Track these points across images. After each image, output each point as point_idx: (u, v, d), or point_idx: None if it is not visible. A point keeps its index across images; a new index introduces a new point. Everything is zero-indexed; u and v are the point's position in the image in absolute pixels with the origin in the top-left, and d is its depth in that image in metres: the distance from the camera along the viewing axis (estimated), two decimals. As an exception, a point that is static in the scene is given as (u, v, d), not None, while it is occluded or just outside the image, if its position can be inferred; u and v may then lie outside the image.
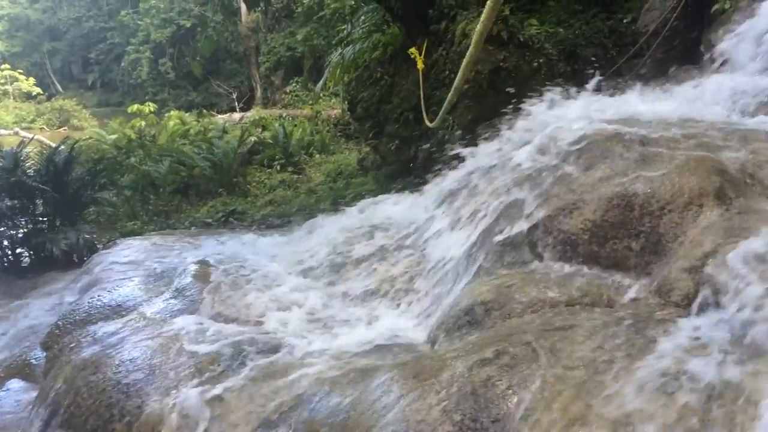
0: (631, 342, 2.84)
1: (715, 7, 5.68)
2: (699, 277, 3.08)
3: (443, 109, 6.12)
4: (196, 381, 3.57)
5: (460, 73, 3.92)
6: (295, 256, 5.76)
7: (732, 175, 3.52)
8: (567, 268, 3.63)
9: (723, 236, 3.18)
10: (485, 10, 3.22)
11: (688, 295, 3.07)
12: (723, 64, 5.14)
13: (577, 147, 4.21)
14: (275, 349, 3.89)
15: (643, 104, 4.93)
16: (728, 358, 2.54)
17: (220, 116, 20.48)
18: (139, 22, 31.01)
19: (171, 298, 4.75)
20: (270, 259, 5.73)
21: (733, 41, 5.14)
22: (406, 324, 4.16)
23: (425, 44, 7.57)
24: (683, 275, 3.15)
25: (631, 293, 3.33)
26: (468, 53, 3.68)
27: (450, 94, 4.74)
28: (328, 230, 6.13)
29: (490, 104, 6.36)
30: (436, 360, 3.09)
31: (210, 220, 10.19)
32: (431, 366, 3.04)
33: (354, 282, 4.98)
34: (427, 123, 6.02)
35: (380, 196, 6.87)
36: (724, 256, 3.04)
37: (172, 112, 20.64)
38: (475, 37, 3.42)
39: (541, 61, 6.94)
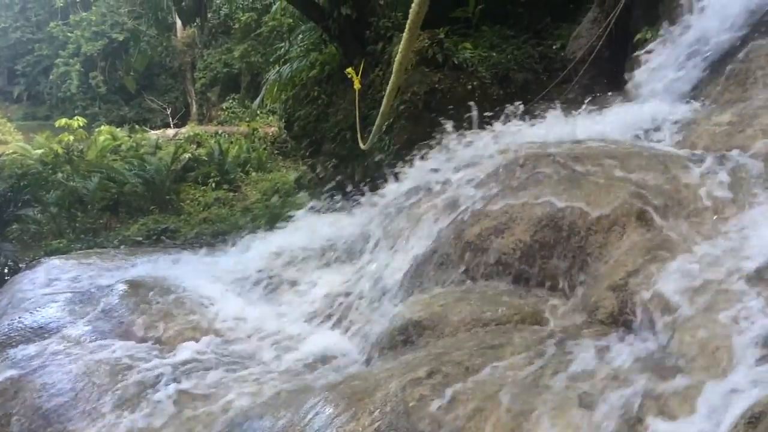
0: (559, 359, 2.93)
1: (638, 36, 5.97)
2: (623, 295, 3.21)
3: (373, 133, 6.17)
4: (121, 407, 3.45)
5: (385, 100, 3.97)
6: (230, 276, 5.67)
7: (653, 197, 3.68)
8: (499, 287, 3.71)
9: (644, 256, 3.32)
10: (402, 41, 3.27)
11: (613, 313, 3.19)
12: (643, 91, 5.40)
13: (509, 168, 4.33)
14: (206, 372, 3.81)
15: (571, 128, 5.11)
16: (651, 375, 2.64)
17: (153, 132, 20.01)
18: (69, 35, 30.06)
19: (97, 319, 4.59)
20: (203, 278, 5.62)
21: (652, 70, 5.41)
22: (341, 344, 4.15)
23: (362, 64, 7.64)
24: (608, 294, 3.27)
25: (560, 311, 3.43)
26: (390, 81, 3.73)
27: (378, 120, 4.78)
28: (264, 249, 6.07)
29: (425, 125, 6.45)
30: (369, 380, 3.09)
31: (141, 239, 9.91)
32: (365, 386, 3.04)
33: (289, 302, 4.95)
34: (361, 145, 6.06)
35: (317, 215, 6.86)
36: (645, 276, 3.18)
37: (102, 127, 20.04)
38: (395, 66, 3.47)
39: (475, 83, 7.11)
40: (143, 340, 4.31)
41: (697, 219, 3.58)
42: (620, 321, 3.15)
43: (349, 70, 7.41)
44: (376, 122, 5.29)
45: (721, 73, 4.86)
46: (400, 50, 3.31)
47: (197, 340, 4.26)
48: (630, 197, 3.67)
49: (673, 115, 4.80)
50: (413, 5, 2.93)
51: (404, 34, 3.22)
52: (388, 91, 3.78)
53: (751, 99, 4.43)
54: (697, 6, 5.38)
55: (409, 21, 3.14)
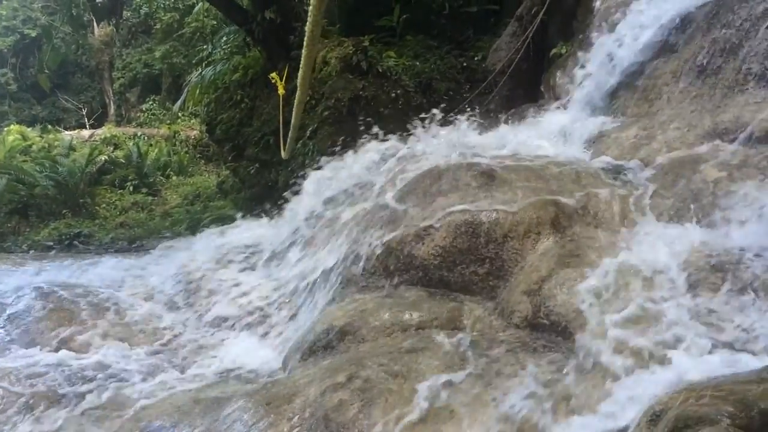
0: (476, 363, 3.00)
1: (554, 51, 6.22)
2: (537, 300, 3.32)
3: (288, 143, 6.10)
4: (27, 418, 3.29)
5: (294, 113, 3.93)
6: (146, 282, 5.50)
7: (566, 205, 3.83)
8: (419, 292, 3.77)
9: (557, 262, 3.45)
10: (302, 58, 3.26)
11: (528, 317, 3.30)
12: (558, 103, 5.62)
13: (430, 176, 4.40)
14: (120, 380, 3.68)
15: (490, 137, 5.25)
16: (561, 376, 2.75)
17: (67, 133, 19.12)
18: (-23, 29, 28.45)
19: (2, 327, 4.36)
20: (118, 285, 5.43)
21: (567, 83, 5.64)
22: (260, 350, 4.10)
23: (286, 69, 7.59)
24: (523, 298, 3.38)
25: (478, 316, 3.52)
26: (297, 96, 3.71)
27: (290, 132, 4.73)
28: (183, 255, 5.92)
29: (349, 131, 6.48)
30: (289, 386, 3.08)
31: (52, 244, 9.48)
32: (284, 392, 3.02)
33: (208, 308, 4.84)
34: (282, 154, 5.98)
35: (239, 220, 6.75)
36: (558, 281, 3.30)
37: (12, 127, 18.99)
38: (299, 81, 3.45)
39: (398, 92, 7.19)
40: (52, 347, 4.12)
41: (606, 226, 3.75)
42: (534, 325, 3.25)
43: (273, 75, 7.34)
44: (290, 134, 5.22)
45: (630, 88, 5.12)
46: (301, 66, 3.29)
47: (109, 347, 4.11)
48: (544, 205, 3.81)
49: (586, 127, 5.02)
50: (308, 24, 2.92)
51: (303, 50, 3.22)
52: (295, 104, 3.75)
53: (656, 113, 4.69)
54: (609, 24, 5.65)
55: (306, 38, 3.13)
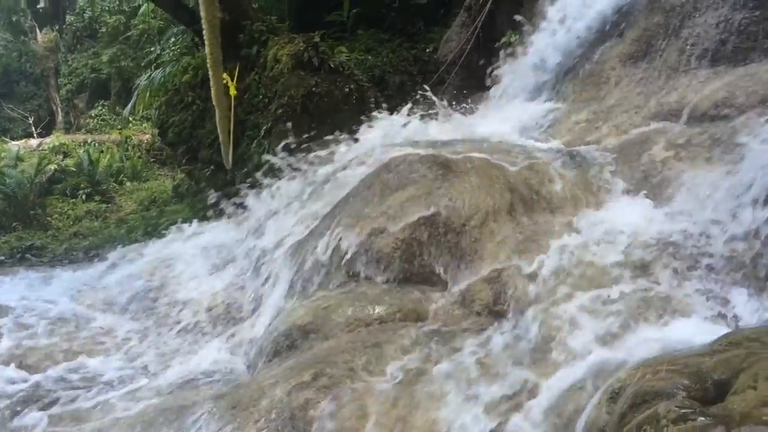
0: (439, 353, 3.03)
1: (503, 40, 6.28)
2: (496, 287, 3.36)
3: (223, 152, 5.97)
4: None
5: (219, 129, 3.84)
6: (104, 292, 5.39)
7: (521, 192, 3.88)
8: (380, 286, 3.77)
9: (514, 249, 3.50)
10: (211, 78, 3.19)
11: (488, 305, 3.34)
12: (510, 91, 5.69)
13: (386, 169, 4.40)
14: (80, 394, 3.60)
15: (445, 128, 5.28)
16: (521, 362, 2.79)
17: (13, 143, 18.54)
18: None
19: (-46, 348, 4.22)
20: (73, 296, 5.30)
21: (517, 71, 5.71)
22: (225, 354, 4.05)
23: (237, 69, 7.51)
24: (483, 286, 3.42)
25: (440, 306, 3.54)
26: (216, 114, 3.63)
27: (222, 147, 4.62)
28: (141, 262, 5.81)
29: (304, 128, 6.44)
30: (254, 388, 3.05)
31: (3, 258, 9.19)
32: (249, 395, 2.99)
33: (169, 314, 4.77)
34: (227, 164, 5.83)
35: (196, 223, 6.66)
36: (516, 267, 3.35)
37: (-46, 139, 18.40)
38: (214, 101, 3.36)
39: (352, 86, 7.18)
40: (6, 363, 4.01)
41: (561, 210, 3.81)
42: (495, 312, 3.29)
43: (224, 75, 7.25)
44: (222, 148, 5.09)
45: (578, 73, 5.21)
46: (211, 85, 3.23)
47: (68, 361, 4.02)
48: (500, 193, 3.85)
49: (538, 113, 5.09)
50: (207, 48, 2.87)
51: (210, 71, 3.16)
52: (217, 120, 3.69)
53: (604, 97, 4.78)
54: (555, 12, 5.73)
55: (209, 63, 3.07)
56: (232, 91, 7.17)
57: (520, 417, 2.54)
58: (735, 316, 2.81)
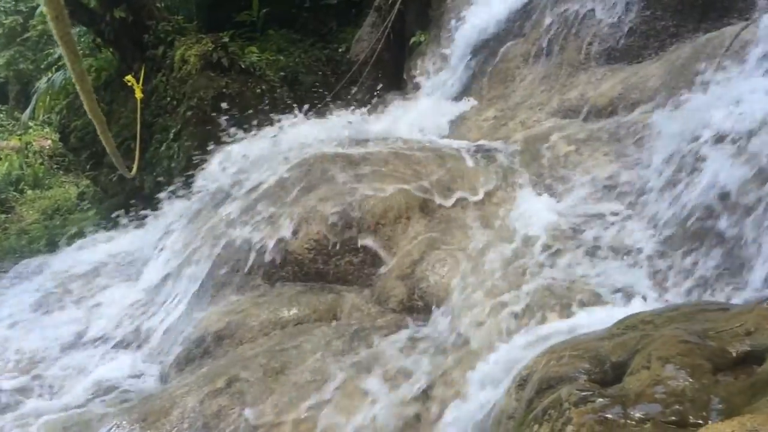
0: (356, 352, 3.03)
1: (412, 40, 6.36)
2: (410, 283, 3.40)
3: (115, 161, 5.69)
4: None
5: (103, 140, 3.67)
6: (4, 308, 5.08)
7: (433, 189, 3.94)
8: (295, 287, 3.74)
9: (428, 245, 3.55)
10: (81, 93, 3.06)
11: (403, 301, 3.37)
12: (421, 90, 5.77)
13: (299, 170, 4.37)
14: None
15: (358, 127, 5.29)
16: (435, 356, 2.83)
17: None
18: None
19: None
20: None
21: (427, 71, 5.80)
22: (134, 365, 3.90)
23: (143, 70, 7.25)
24: (397, 283, 3.45)
25: (355, 305, 3.55)
26: (97, 126, 3.47)
27: (113, 157, 4.43)
28: (44, 274, 5.53)
29: (215, 130, 6.30)
30: (165, 398, 2.96)
31: None
32: (161, 405, 2.90)
33: (75, 327, 4.55)
34: (126, 173, 5.55)
35: (103, 231, 6.40)
36: (429, 263, 3.40)
37: None
38: (89, 113, 3.21)
39: (264, 87, 7.08)
40: None
41: (472, 205, 3.89)
42: (410, 308, 3.33)
43: (129, 77, 7.00)
44: (113, 159, 4.82)
45: (485, 72, 5.34)
46: (83, 99, 3.09)
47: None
48: (413, 190, 3.90)
49: (448, 111, 5.18)
50: (68, 64, 2.76)
51: (77, 86, 3.03)
52: (99, 132, 3.53)
53: (510, 95, 4.92)
54: (462, 11, 5.85)
55: (74, 78, 2.96)
56: (138, 94, 6.94)
57: (438, 411, 2.58)
58: (636, 300, 2.95)
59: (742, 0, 3.79)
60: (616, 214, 3.31)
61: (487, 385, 2.49)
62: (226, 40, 7.14)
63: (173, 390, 3.04)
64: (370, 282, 3.67)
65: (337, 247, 3.77)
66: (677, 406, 1.63)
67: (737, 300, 2.45)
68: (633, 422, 1.63)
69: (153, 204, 5.70)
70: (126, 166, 7.36)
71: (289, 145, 5.10)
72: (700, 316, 2.09)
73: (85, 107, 3.19)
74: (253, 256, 3.93)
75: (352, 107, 5.92)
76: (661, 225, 3.09)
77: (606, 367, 1.99)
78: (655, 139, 3.43)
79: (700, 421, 1.56)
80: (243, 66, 7.06)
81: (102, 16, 7.36)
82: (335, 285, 3.73)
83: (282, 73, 7.59)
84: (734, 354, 1.80)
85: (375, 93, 6.39)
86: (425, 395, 2.68)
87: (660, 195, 3.17)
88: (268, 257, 3.90)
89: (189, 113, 6.67)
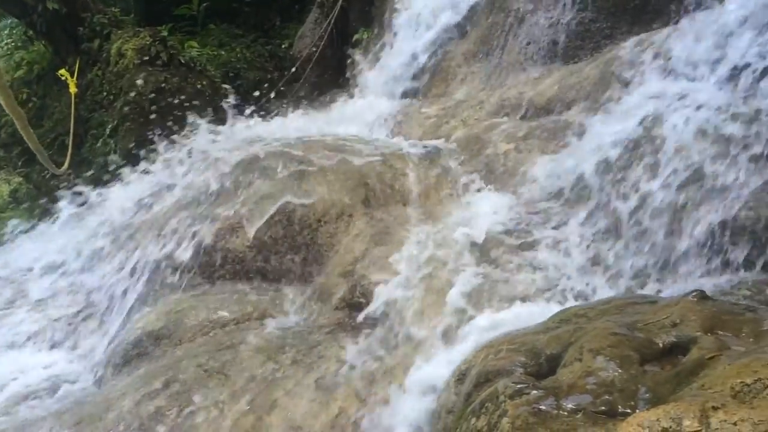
0: (297, 349, 3.01)
1: (355, 37, 6.36)
2: (353, 280, 3.40)
3: (40, 157, 5.53)
4: None
5: (24, 135, 3.55)
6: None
7: (375, 186, 3.94)
8: (236, 286, 3.69)
9: (370, 242, 3.55)
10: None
11: (345, 298, 3.36)
12: (364, 88, 5.77)
13: (240, 167, 4.31)
14: None
15: (300, 124, 5.25)
16: (378, 351, 2.85)
17: None
18: None
19: None
20: None
21: (370, 68, 5.81)
22: (68, 367, 3.78)
23: (77, 64, 7.03)
24: (340, 280, 3.44)
25: (297, 303, 3.52)
26: (17, 124, 3.34)
27: (38, 154, 4.25)
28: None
29: (154, 125, 6.15)
30: (101, 401, 2.89)
31: None
32: (95, 409, 2.82)
33: (7, 326, 4.37)
34: (55, 169, 5.31)
35: (38, 228, 6.16)
36: (371, 260, 3.41)
37: None
38: (8, 110, 3.09)
39: (205, 82, 6.95)
40: None
41: (414, 203, 3.92)
42: (352, 305, 3.32)
43: (63, 71, 6.77)
44: (39, 156, 4.62)
45: (427, 70, 5.38)
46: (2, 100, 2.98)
47: None
48: (355, 187, 3.90)
49: (391, 109, 5.21)
50: None
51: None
52: (20, 129, 3.41)
53: (453, 93, 4.98)
54: (405, 10, 5.88)
55: None
56: (72, 88, 6.72)
57: (380, 407, 2.60)
58: (571, 294, 3.03)
59: (671, 3, 3.93)
60: (553, 210, 3.39)
61: (427, 381, 2.52)
62: (165, 34, 7.00)
63: (109, 393, 2.96)
64: (312, 280, 3.65)
65: (279, 244, 3.74)
66: (607, 396, 1.69)
67: (666, 293, 2.55)
68: (565, 413, 1.68)
69: (89, 200, 5.52)
70: (60, 162, 7.14)
71: (231, 142, 5.03)
72: (630, 309, 2.17)
73: (2, 103, 3.07)
74: (192, 254, 3.86)
75: (295, 104, 5.88)
76: (594, 220, 3.18)
77: (541, 360, 2.04)
78: (589, 136, 3.53)
79: (629, 410, 1.62)
80: (183, 61, 6.91)
81: (34, 7, 7.08)
82: (277, 283, 3.69)
83: (224, 69, 7.48)
84: (661, 345, 1.88)
85: (319, 90, 6.36)
86: (367, 392, 2.69)
87: (594, 191, 3.26)
88: (208, 255, 3.84)
89: (126, 108, 6.50)
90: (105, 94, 6.86)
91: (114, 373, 3.32)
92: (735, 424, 1.39)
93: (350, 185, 3.92)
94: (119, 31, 6.97)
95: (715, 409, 1.44)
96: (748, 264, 2.51)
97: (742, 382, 1.51)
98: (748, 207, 2.57)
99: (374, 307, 3.11)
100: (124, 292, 3.97)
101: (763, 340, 1.76)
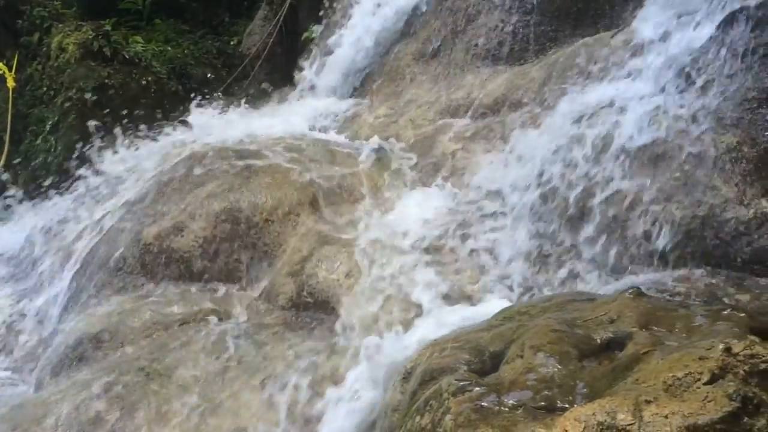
0: (243, 350, 2.98)
1: (305, 35, 6.31)
2: (300, 279, 3.38)
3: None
4: None
5: None
6: None
7: (323, 186, 3.93)
8: (181, 286, 3.63)
9: (318, 241, 3.54)
10: None
11: (292, 298, 3.34)
12: (313, 87, 5.74)
13: (186, 165, 4.24)
14: None
15: (249, 122, 5.19)
16: (322, 350, 2.84)
17: None
18: None
19: None
20: None
21: (320, 67, 5.77)
22: (6, 373, 3.66)
23: (16, 57, 6.79)
24: (287, 280, 3.42)
25: (244, 303, 3.49)
26: None
27: None
28: None
29: (97, 122, 5.99)
30: (38, 406, 2.80)
31: None
32: (33, 414, 2.74)
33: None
34: None
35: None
36: (318, 259, 3.39)
37: None
38: None
39: (150, 79, 6.79)
40: None
41: (363, 202, 3.92)
42: (299, 304, 3.31)
43: (0, 65, 6.53)
44: None
45: (377, 70, 5.38)
46: None
47: None
48: (303, 187, 3.88)
49: (340, 109, 5.20)
50: None
51: None
52: None
53: (401, 94, 4.99)
54: (355, 9, 5.87)
55: None
56: (10, 82, 6.50)
57: (326, 406, 2.59)
58: (514, 293, 3.08)
59: (611, 9, 4.04)
60: (498, 211, 3.43)
61: (374, 380, 2.53)
62: (109, 28, 6.80)
63: (47, 396, 2.87)
64: (259, 280, 3.62)
65: (225, 244, 3.70)
66: (546, 392, 1.72)
67: (605, 290, 2.61)
68: (506, 409, 1.71)
69: (27, 200, 5.35)
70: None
71: (176, 139, 4.94)
72: (570, 306, 2.22)
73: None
74: (135, 254, 3.78)
75: (243, 102, 5.80)
76: (536, 219, 3.24)
77: (485, 357, 2.07)
78: (538, 136, 3.59)
79: (567, 405, 1.66)
80: (127, 56, 6.73)
81: (-32, -1, 6.82)
82: (224, 283, 3.65)
83: (170, 65, 7.32)
84: (599, 341, 1.92)
85: (267, 88, 6.30)
86: (314, 392, 2.68)
87: (536, 190, 3.32)
88: (151, 255, 3.77)
89: (67, 104, 6.29)
90: (45, 89, 6.63)
91: (52, 376, 3.22)
92: (666, 417, 1.43)
93: (298, 184, 3.90)
94: (60, 25, 6.75)
95: (647, 402, 1.48)
96: (681, 260, 2.59)
97: (673, 376, 1.56)
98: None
99: (322, 307, 3.11)
100: (65, 295, 3.86)
101: (695, 335, 1.82)
